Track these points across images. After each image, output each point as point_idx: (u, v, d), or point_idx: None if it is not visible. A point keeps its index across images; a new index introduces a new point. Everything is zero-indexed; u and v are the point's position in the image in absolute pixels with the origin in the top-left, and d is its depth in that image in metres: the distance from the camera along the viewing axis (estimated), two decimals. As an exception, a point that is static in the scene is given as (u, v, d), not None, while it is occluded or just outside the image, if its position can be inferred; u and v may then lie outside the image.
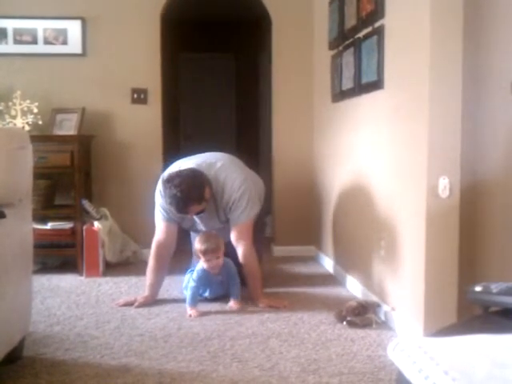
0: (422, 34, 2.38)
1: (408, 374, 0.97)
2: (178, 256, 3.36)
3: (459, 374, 0.88)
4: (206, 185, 2.96)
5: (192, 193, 2.87)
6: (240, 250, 3.06)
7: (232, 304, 2.97)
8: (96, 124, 4.18)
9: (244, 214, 3.06)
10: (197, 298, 2.97)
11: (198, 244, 2.96)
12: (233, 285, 3.04)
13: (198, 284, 2.97)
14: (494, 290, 1.35)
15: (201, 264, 2.99)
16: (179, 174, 2.94)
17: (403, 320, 2.58)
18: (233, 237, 3.08)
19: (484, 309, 1.40)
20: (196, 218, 3.14)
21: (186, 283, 3.13)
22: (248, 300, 3.04)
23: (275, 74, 4.45)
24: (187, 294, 2.98)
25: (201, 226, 3.19)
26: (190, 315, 2.84)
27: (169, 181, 2.92)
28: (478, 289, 1.40)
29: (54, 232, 3.79)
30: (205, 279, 2.99)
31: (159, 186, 3.09)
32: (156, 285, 3.10)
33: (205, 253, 2.93)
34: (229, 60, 7.41)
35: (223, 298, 3.08)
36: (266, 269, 3.88)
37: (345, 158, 3.54)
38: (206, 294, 3.07)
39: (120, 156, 4.27)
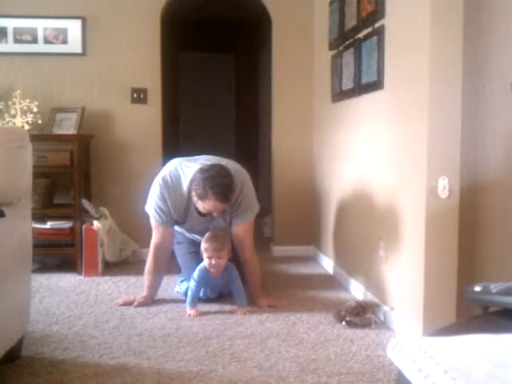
0: (422, 35, 2.38)
1: (408, 374, 0.97)
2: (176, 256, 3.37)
3: (459, 374, 0.88)
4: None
5: (234, 183, 2.89)
6: (243, 250, 3.06)
7: (238, 310, 2.92)
8: (96, 123, 4.18)
9: (248, 213, 3.06)
10: (197, 299, 2.96)
11: (203, 241, 2.95)
12: (237, 291, 2.99)
13: (199, 283, 2.96)
14: (494, 290, 1.35)
15: (203, 263, 2.98)
16: (217, 166, 2.92)
17: (402, 320, 2.58)
18: (237, 236, 3.07)
19: (483, 309, 1.40)
20: (201, 218, 3.07)
21: (183, 290, 3.13)
22: (248, 299, 3.03)
23: (275, 74, 4.45)
24: (188, 293, 2.97)
25: (201, 227, 3.14)
26: (190, 315, 2.84)
27: (208, 170, 2.87)
28: (477, 289, 1.40)
29: (54, 231, 3.79)
30: (205, 279, 2.98)
31: (158, 189, 3.02)
32: (154, 285, 3.10)
33: (206, 250, 2.91)
34: (229, 60, 7.41)
35: (222, 298, 3.07)
36: (265, 269, 3.88)
37: (344, 158, 3.54)
38: (207, 294, 3.05)
39: (119, 155, 4.27)
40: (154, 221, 3.10)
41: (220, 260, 2.93)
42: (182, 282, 3.23)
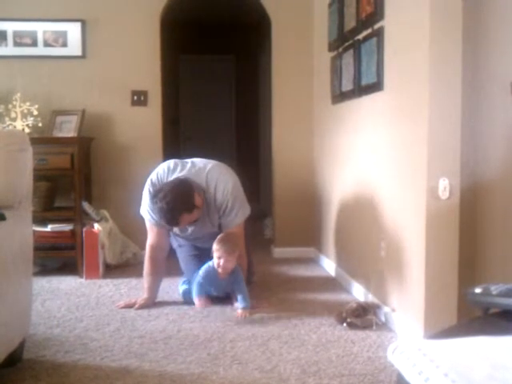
0: (421, 36, 2.38)
1: (408, 377, 0.97)
2: (175, 258, 3.36)
3: (459, 376, 0.88)
4: (195, 192, 2.89)
5: (179, 203, 2.81)
6: None
7: (241, 312, 2.90)
8: (96, 126, 4.18)
9: (238, 216, 3.05)
10: (204, 290, 2.96)
11: (215, 243, 2.93)
12: (241, 293, 2.96)
13: (205, 281, 2.95)
14: (494, 292, 1.35)
15: (211, 262, 2.98)
16: (163, 188, 2.88)
17: (403, 321, 2.58)
18: None
19: (484, 310, 1.40)
20: (188, 226, 3.08)
21: (182, 291, 3.13)
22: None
23: (275, 75, 4.46)
24: (194, 288, 2.97)
25: (192, 233, 3.14)
26: (198, 304, 2.88)
27: (155, 195, 2.87)
28: (477, 290, 1.40)
29: (54, 234, 3.79)
30: (211, 277, 2.96)
31: (148, 190, 3.06)
32: (154, 287, 3.10)
33: (217, 251, 2.91)
34: (229, 62, 7.42)
35: (225, 299, 3.07)
36: (266, 270, 3.88)
37: (345, 160, 3.54)
38: (212, 293, 3.04)
39: (120, 158, 4.28)
40: (147, 222, 3.12)
41: (228, 263, 2.92)
42: (183, 283, 3.22)
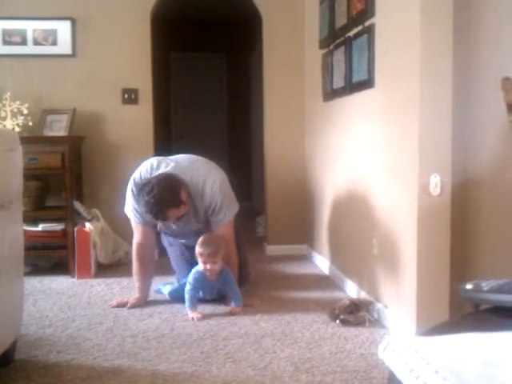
0: (412, 33, 2.39)
1: (399, 374, 0.97)
2: (166, 257, 3.36)
3: (450, 373, 0.88)
4: (181, 187, 2.86)
5: (166, 197, 2.77)
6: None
7: (233, 309, 2.91)
8: (87, 125, 4.16)
9: (226, 215, 3.02)
10: (196, 301, 2.92)
11: (197, 245, 2.91)
12: (233, 292, 2.97)
13: (195, 286, 2.93)
14: (485, 288, 1.36)
15: (198, 266, 2.96)
16: (150, 181, 2.84)
17: (396, 318, 2.59)
18: None
19: (475, 307, 1.40)
20: (172, 222, 3.04)
21: (168, 291, 3.12)
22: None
23: (266, 73, 4.45)
24: (186, 297, 2.93)
25: (176, 229, 3.11)
26: (193, 318, 2.80)
27: (141, 189, 2.83)
28: (468, 287, 1.41)
29: (46, 233, 3.77)
30: (200, 282, 2.94)
31: (131, 189, 3.02)
32: (145, 286, 3.09)
33: (201, 255, 2.88)
34: (220, 59, 7.40)
35: (217, 300, 3.06)
36: (259, 268, 3.88)
37: (336, 157, 3.55)
38: (204, 296, 3.03)
39: (111, 157, 4.26)
40: (132, 221, 3.10)
41: (215, 265, 2.89)
42: (164, 285, 3.20)
